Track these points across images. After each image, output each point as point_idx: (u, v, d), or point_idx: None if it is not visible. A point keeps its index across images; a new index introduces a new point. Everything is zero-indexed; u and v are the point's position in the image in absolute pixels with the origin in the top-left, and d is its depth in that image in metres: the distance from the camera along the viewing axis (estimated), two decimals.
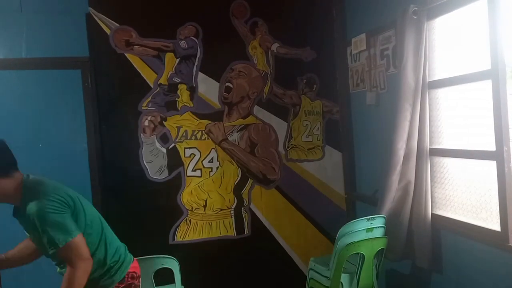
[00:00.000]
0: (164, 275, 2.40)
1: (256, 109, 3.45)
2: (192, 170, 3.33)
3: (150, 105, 3.24)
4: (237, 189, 3.42)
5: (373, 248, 2.48)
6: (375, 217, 2.56)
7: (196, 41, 3.31)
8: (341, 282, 2.50)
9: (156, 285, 2.37)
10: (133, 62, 3.20)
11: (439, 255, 2.54)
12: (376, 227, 2.52)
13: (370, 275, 2.54)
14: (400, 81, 2.53)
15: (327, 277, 2.59)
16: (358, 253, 2.47)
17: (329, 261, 2.68)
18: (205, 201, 3.35)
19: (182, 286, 2.53)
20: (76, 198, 1.81)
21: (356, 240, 2.42)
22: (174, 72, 3.27)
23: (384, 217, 2.60)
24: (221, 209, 3.39)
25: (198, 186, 3.34)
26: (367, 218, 2.55)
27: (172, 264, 2.39)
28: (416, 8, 2.46)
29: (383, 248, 2.52)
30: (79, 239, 1.70)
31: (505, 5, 2.02)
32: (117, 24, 3.16)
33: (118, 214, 3.16)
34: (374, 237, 2.48)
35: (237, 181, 3.42)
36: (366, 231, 2.48)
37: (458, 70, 2.37)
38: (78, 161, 3.07)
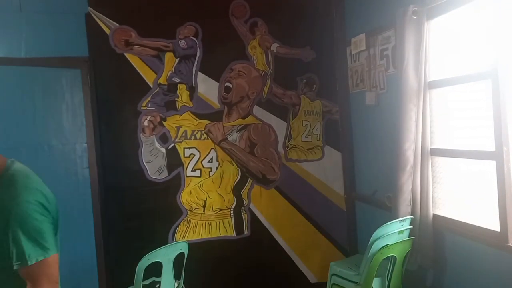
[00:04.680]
0: (150, 270, 2.40)
1: (256, 109, 3.45)
2: (192, 170, 3.33)
3: (149, 105, 3.23)
4: (237, 189, 3.42)
5: (404, 250, 2.44)
6: (405, 218, 2.51)
7: (196, 41, 3.31)
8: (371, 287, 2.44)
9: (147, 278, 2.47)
10: (132, 62, 3.20)
11: (440, 255, 2.54)
12: (406, 228, 2.47)
13: (399, 278, 2.50)
14: (401, 82, 2.53)
15: (356, 282, 2.52)
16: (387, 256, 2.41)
17: (349, 265, 2.64)
18: (205, 201, 3.35)
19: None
20: (56, 206, 1.45)
21: (391, 243, 2.37)
22: (173, 72, 3.27)
23: (411, 217, 2.54)
24: (221, 209, 3.38)
25: (198, 186, 3.33)
26: (399, 220, 2.49)
27: (185, 247, 2.50)
28: (416, 8, 2.46)
29: (409, 250, 2.48)
30: (54, 259, 1.34)
31: (506, 4, 2.01)
32: (117, 24, 3.16)
33: (117, 214, 3.17)
34: (405, 239, 2.44)
35: (236, 181, 3.41)
36: (398, 233, 2.43)
37: (458, 70, 2.37)
38: (78, 160, 3.07)
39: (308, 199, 3.54)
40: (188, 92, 3.31)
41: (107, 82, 3.15)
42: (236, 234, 3.42)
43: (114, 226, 3.17)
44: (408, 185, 2.56)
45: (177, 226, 3.30)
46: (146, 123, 3.22)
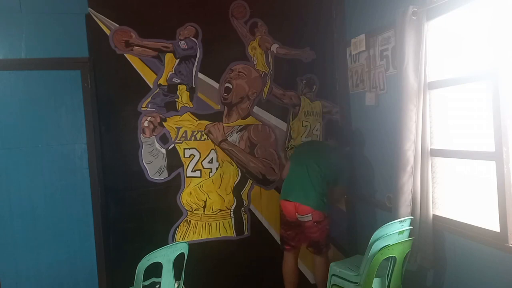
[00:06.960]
0: (150, 270, 2.40)
1: (256, 110, 3.45)
2: (192, 171, 3.33)
3: (149, 105, 3.24)
4: (237, 190, 3.42)
5: (404, 251, 2.43)
6: (405, 219, 2.51)
7: (196, 41, 3.31)
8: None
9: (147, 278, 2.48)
10: (132, 63, 3.20)
11: (440, 255, 2.54)
12: (406, 229, 2.47)
13: (399, 278, 2.49)
14: (402, 82, 2.53)
15: (356, 283, 2.53)
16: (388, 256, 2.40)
17: (349, 265, 2.64)
18: (205, 202, 3.35)
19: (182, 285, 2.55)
20: (296, 155, 3.27)
21: (391, 244, 2.37)
22: (173, 72, 3.27)
23: (411, 218, 2.55)
24: (221, 210, 3.39)
25: (198, 186, 3.34)
26: (399, 221, 2.49)
27: (185, 248, 2.49)
28: (416, 9, 2.46)
29: (409, 251, 2.47)
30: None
31: (506, 5, 2.02)
32: (117, 25, 3.16)
33: (117, 214, 3.17)
34: (405, 239, 2.43)
35: (236, 181, 3.42)
36: (398, 233, 2.43)
37: (458, 70, 2.37)
38: (78, 161, 3.07)
39: None
40: (188, 93, 3.31)
41: (107, 83, 3.15)
42: (236, 235, 3.42)
43: (114, 226, 3.16)
44: (409, 185, 2.56)
45: (177, 226, 3.30)
46: (146, 123, 3.22)
